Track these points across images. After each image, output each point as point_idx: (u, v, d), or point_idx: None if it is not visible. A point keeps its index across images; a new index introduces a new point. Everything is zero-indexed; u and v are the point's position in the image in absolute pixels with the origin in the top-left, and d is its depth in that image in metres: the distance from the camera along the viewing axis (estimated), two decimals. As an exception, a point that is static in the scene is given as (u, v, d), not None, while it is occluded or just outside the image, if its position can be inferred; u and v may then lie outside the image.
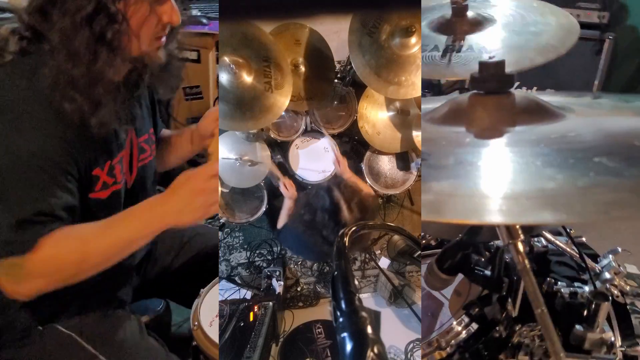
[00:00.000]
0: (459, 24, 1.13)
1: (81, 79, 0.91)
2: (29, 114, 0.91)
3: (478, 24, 1.13)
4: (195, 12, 2.75)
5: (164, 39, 1.02)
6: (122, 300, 1.24)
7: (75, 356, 1.08)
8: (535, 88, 2.59)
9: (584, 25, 2.77)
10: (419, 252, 0.99)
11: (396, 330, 1.79)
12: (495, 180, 0.61)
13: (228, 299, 1.74)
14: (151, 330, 1.24)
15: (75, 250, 0.94)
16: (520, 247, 0.69)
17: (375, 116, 1.81)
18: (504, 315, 0.95)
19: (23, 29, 0.94)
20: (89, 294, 1.11)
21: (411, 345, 1.70)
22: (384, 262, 1.97)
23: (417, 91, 1.55)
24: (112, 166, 1.06)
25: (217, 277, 1.35)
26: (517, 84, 2.67)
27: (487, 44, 1.08)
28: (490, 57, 0.76)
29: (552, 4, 1.19)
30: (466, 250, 0.97)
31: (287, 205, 1.77)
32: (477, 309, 0.95)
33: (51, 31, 0.90)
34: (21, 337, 1.09)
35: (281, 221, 1.78)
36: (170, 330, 1.44)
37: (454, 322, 0.97)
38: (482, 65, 0.76)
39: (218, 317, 1.22)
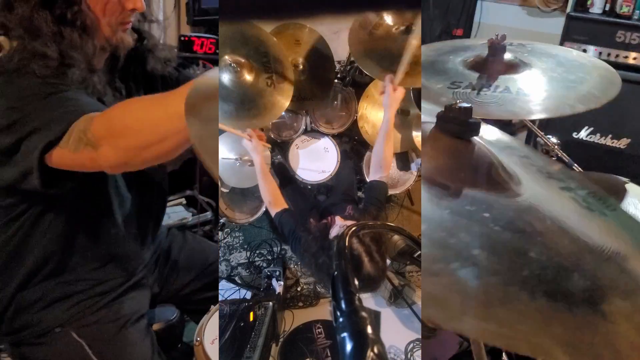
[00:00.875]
0: (495, 64, 1.12)
1: (55, 59, 0.96)
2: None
3: (514, 66, 1.11)
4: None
5: (129, 24, 1.10)
6: (138, 310, 1.26)
7: None
8: (610, 136, 2.51)
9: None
10: (419, 252, 0.99)
11: (396, 330, 1.79)
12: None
13: (228, 299, 1.74)
14: (161, 338, 1.24)
15: (130, 116, 0.95)
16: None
17: (375, 116, 1.81)
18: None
19: None
20: (107, 301, 1.17)
21: (411, 345, 1.70)
22: (384, 262, 1.96)
23: (418, 82, 1.55)
24: None
25: None
26: (590, 129, 2.60)
27: (524, 87, 1.07)
28: (457, 102, 0.73)
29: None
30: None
31: (258, 163, 1.42)
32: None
33: (15, 22, 0.98)
34: (40, 336, 1.14)
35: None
36: (180, 342, 1.43)
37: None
38: (447, 108, 0.73)
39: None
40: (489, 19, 3.37)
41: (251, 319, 1.56)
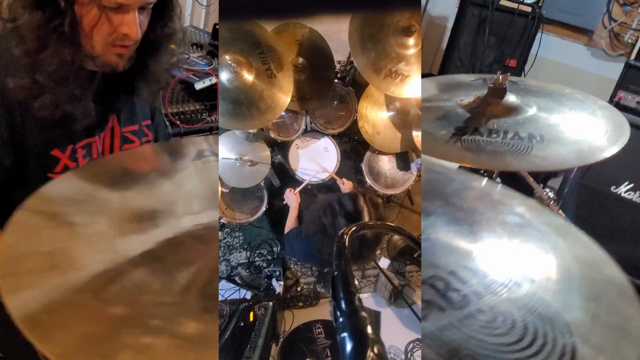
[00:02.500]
0: (493, 106, 1.04)
1: (22, 59, 0.95)
2: None
3: (513, 109, 1.03)
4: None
5: (126, 49, 1.05)
6: None
7: None
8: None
9: None
10: (419, 252, 0.99)
11: (396, 330, 1.79)
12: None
13: (228, 299, 1.74)
14: None
15: None
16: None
17: (375, 116, 1.81)
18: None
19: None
20: None
21: (411, 345, 1.70)
22: (384, 262, 1.97)
23: (417, 91, 1.56)
24: (74, 150, 1.09)
25: None
26: (630, 185, 2.35)
27: (534, 131, 0.98)
28: None
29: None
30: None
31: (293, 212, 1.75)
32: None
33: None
34: None
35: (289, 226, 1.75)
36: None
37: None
38: None
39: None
40: (547, 53, 3.16)
41: (251, 319, 1.56)
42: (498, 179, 1.56)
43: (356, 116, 1.81)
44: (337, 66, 1.82)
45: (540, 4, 3.14)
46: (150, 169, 0.86)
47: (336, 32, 1.86)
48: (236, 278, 1.94)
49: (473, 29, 3.25)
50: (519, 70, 3.31)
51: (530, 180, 1.26)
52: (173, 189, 0.80)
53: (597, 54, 3.10)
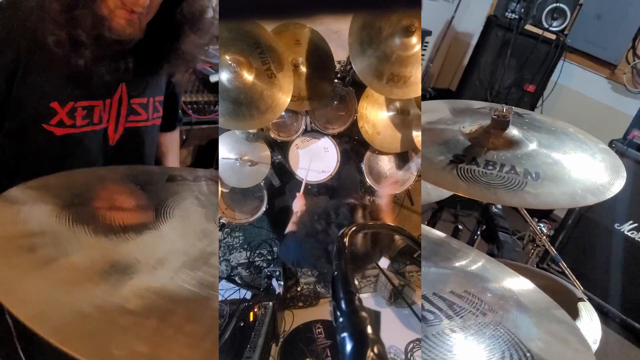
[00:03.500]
0: (494, 138, 1.03)
1: (60, 14, 0.97)
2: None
3: (514, 143, 1.02)
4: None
5: (134, 15, 1.06)
6: None
7: None
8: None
9: None
10: (419, 252, 0.99)
11: (396, 330, 1.79)
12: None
13: (228, 299, 1.74)
14: None
15: None
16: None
17: (375, 116, 1.81)
18: None
19: None
20: None
21: (411, 345, 1.70)
22: (384, 262, 1.96)
23: (417, 91, 1.55)
24: (74, 108, 1.09)
25: None
26: (634, 224, 2.33)
27: (531, 168, 0.97)
28: None
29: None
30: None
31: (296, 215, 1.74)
32: None
33: None
34: None
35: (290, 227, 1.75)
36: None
37: None
38: None
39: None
40: (567, 82, 3.13)
41: (251, 319, 1.56)
42: (499, 206, 1.56)
43: (356, 116, 1.81)
44: (337, 66, 1.82)
45: (566, 33, 3.12)
46: (135, 223, 0.83)
47: (336, 32, 1.86)
48: (236, 278, 1.94)
49: (495, 50, 3.24)
50: (537, 96, 3.30)
51: (525, 214, 1.27)
52: (154, 244, 0.78)
53: (618, 89, 3.10)
